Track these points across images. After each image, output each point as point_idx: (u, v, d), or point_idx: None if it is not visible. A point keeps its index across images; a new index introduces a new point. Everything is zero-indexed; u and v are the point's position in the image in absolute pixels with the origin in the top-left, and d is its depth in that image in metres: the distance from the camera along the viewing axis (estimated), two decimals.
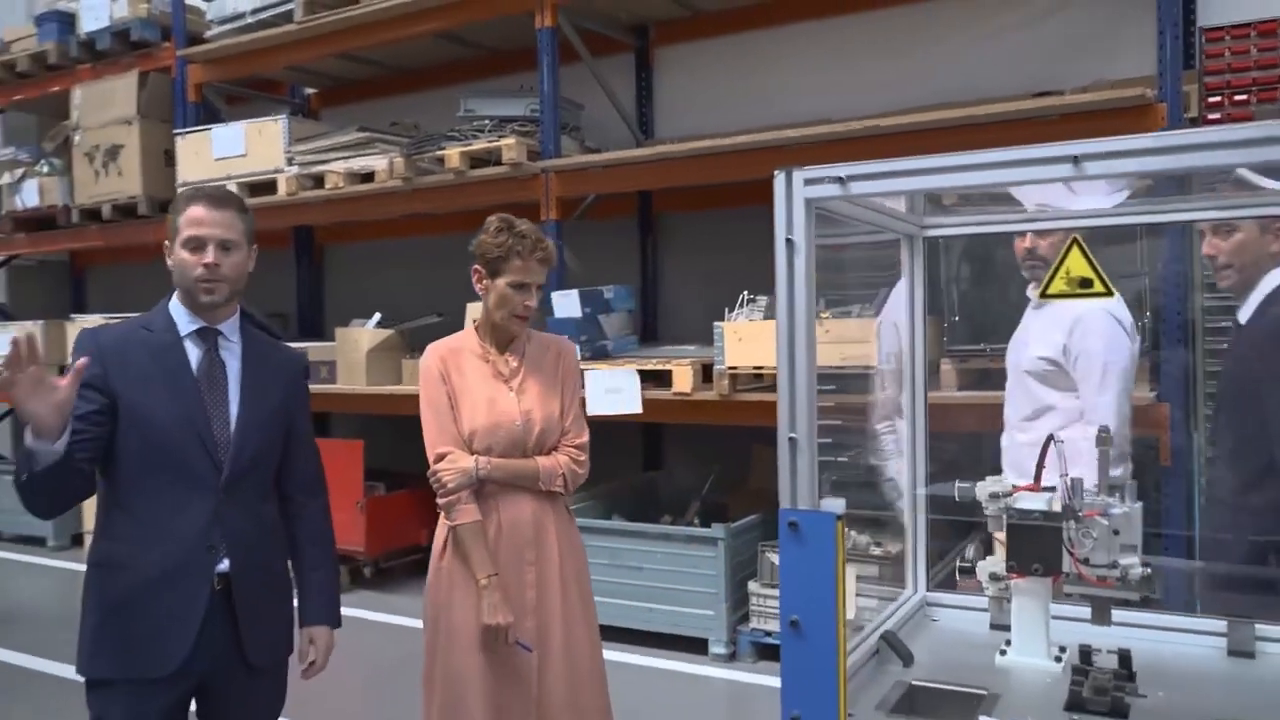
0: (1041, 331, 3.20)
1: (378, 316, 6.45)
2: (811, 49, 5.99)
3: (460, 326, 3.25)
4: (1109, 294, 1.64)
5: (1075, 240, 1.64)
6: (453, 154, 5.76)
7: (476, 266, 2.73)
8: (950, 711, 1.93)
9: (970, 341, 4.62)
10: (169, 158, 7.08)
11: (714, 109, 6.25)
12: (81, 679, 2.30)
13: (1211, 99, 4.13)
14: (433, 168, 5.91)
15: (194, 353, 2.32)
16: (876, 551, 3.89)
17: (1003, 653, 2.17)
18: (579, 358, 3.00)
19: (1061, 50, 5.24)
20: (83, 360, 2.06)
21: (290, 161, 6.44)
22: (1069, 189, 1.92)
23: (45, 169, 7.99)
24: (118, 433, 2.23)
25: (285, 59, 6.84)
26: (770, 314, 4.82)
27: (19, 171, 8.15)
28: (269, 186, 6.54)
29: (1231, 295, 2.91)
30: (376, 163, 6.11)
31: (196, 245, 2.27)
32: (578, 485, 2.84)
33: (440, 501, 2.67)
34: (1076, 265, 1.62)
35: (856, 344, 4.23)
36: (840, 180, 1.75)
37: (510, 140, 5.62)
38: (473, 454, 2.68)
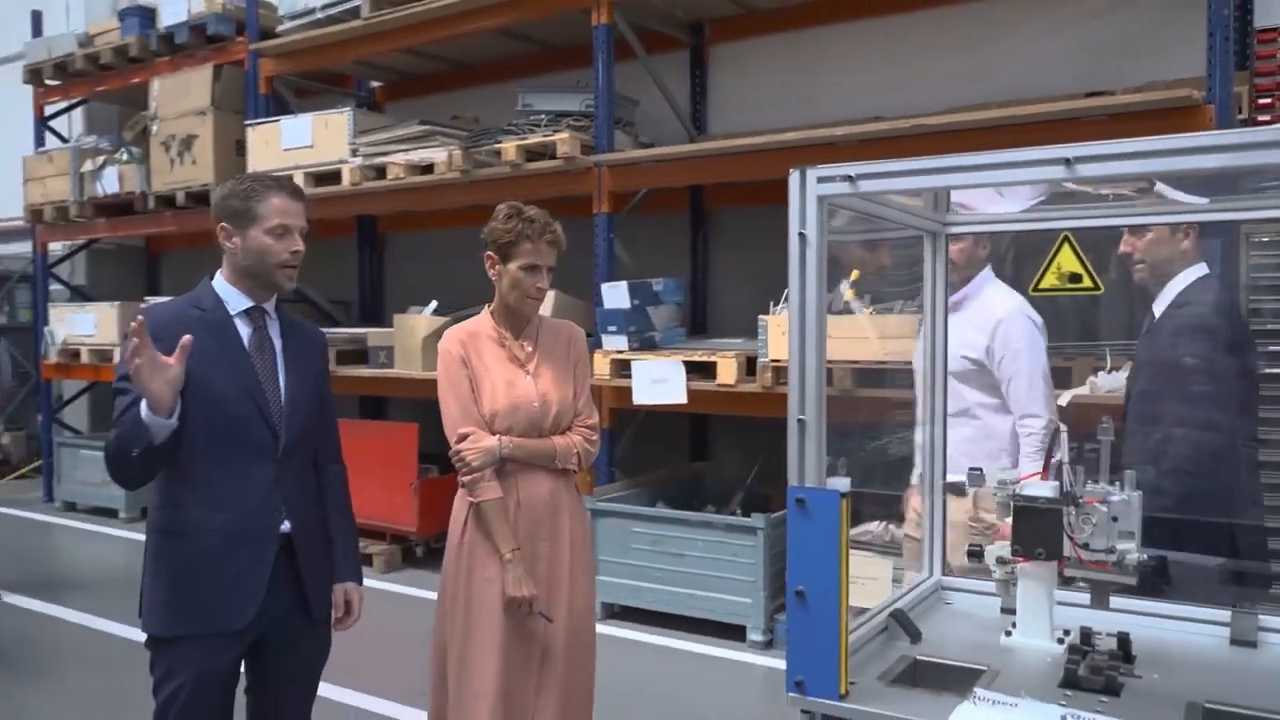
0: (962, 332, 3.30)
1: (434, 304, 6.66)
2: (865, 47, 6.05)
3: None
4: (1097, 288, 1.72)
5: (1066, 238, 1.72)
6: (509, 147, 5.92)
7: (489, 253, 2.85)
8: (950, 685, 2.02)
9: None
10: (240, 148, 7.35)
11: (767, 106, 6.34)
12: (143, 641, 2.44)
13: (1261, 100, 4.12)
14: (490, 160, 6.08)
15: (244, 330, 2.47)
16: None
17: (1008, 634, 2.26)
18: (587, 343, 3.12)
19: (1116, 49, 5.23)
20: (188, 338, 2.20)
21: (354, 153, 6.67)
22: (998, 193, 2.03)
23: (124, 157, 8.34)
24: (185, 407, 2.33)
25: (352, 53, 7.08)
26: None
27: (100, 159, 8.51)
28: (334, 176, 6.77)
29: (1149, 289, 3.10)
30: (436, 155, 6.31)
31: (284, 232, 2.44)
32: (590, 463, 2.98)
33: (464, 479, 2.80)
34: (1067, 261, 1.70)
35: (898, 340, 4.30)
36: (850, 179, 1.86)
37: (565, 134, 5.77)
38: (493, 434, 2.81)
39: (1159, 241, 2.89)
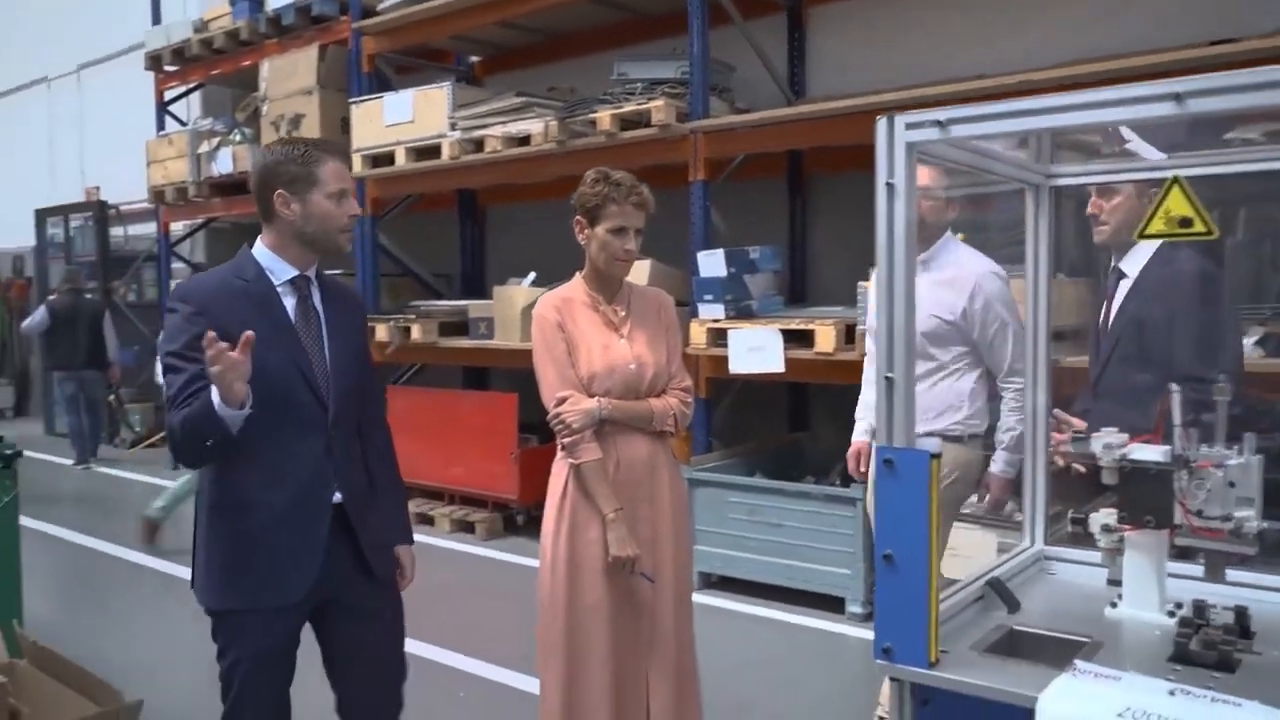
0: (933, 293, 3.31)
1: (532, 275, 6.71)
2: (969, 4, 5.81)
3: None
4: (1210, 234, 1.60)
5: (1176, 180, 1.60)
6: (604, 116, 5.90)
7: (578, 218, 2.86)
8: (1048, 657, 1.93)
9: None
10: (345, 125, 7.52)
11: (868, 68, 6.15)
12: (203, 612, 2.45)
13: None
14: (585, 130, 6.07)
15: (289, 301, 2.41)
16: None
17: (1113, 605, 2.15)
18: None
19: None
20: (249, 334, 2.14)
21: (453, 127, 6.74)
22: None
23: (237, 138, 8.64)
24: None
25: (449, 28, 7.14)
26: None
27: (215, 140, 8.84)
28: (434, 151, 6.86)
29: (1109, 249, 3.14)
30: (532, 126, 6.33)
31: (343, 196, 2.41)
32: (685, 426, 2.97)
33: (564, 441, 2.81)
34: (1177, 205, 1.58)
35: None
36: (939, 124, 1.77)
37: (659, 102, 5.72)
38: (590, 396, 2.81)
39: (1124, 204, 2.93)
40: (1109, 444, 2.09)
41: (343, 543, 2.46)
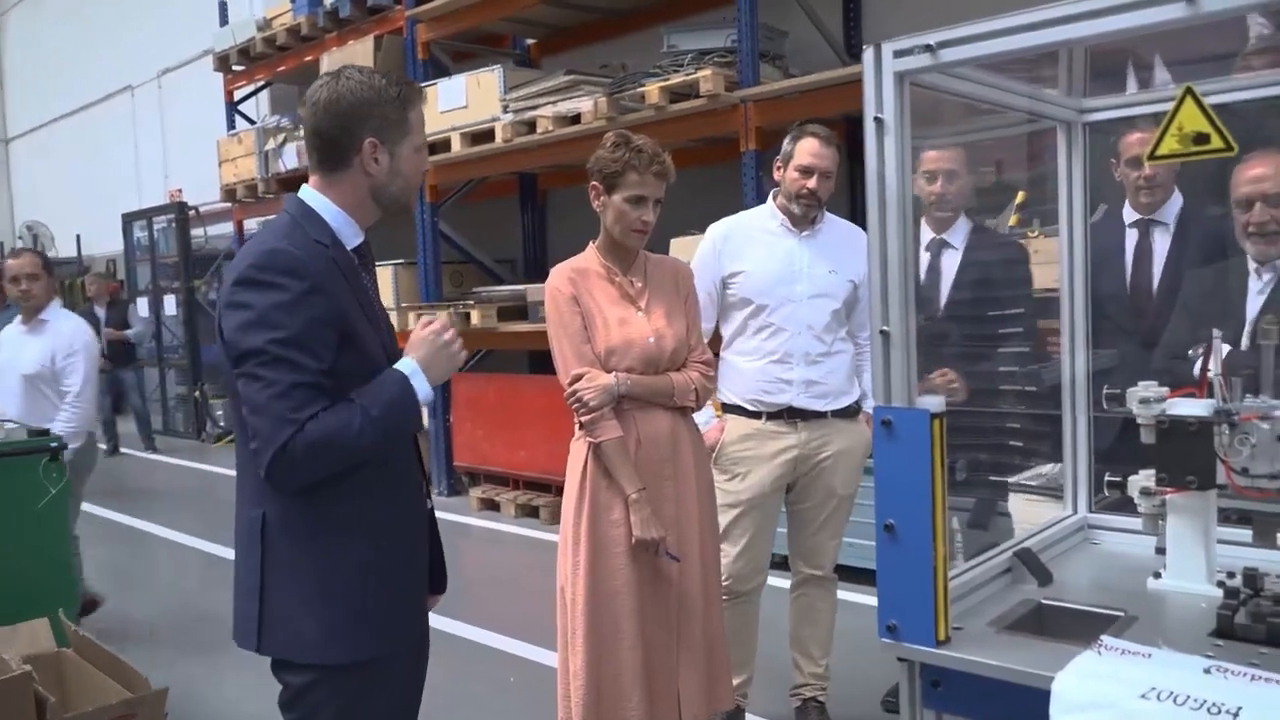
0: (839, 257, 3.22)
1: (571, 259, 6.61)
2: None
3: None
4: (1230, 150, 1.40)
5: (1189, 90, 1.41)
6: (652, 90, 5.77)
7: (594, 183, 2.73)
8: (1077, 633, 1.76)
9: None
10: None
11: (926, 25, 5.86)
12: (276, 671, 1.91)
13: None
14: (634, 105, 5.94)
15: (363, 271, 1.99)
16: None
17: (1156, 576, 1.95)
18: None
19: None
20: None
21: (505, 109, 6.69)
22: None
23: (301, 133, 8.73)
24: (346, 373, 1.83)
25: (501, 10, 7.08)
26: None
27: (281, 137, 8.96)
28: (488, 135, 6.82)
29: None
30: (582, 104, 6.23)
31: (423, 147, 2.00)
32: (707, 400, 2.83)
33: (583, 419, 2.71)
34: (1191, 119, 1.39)
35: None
36: (930, 48, 1.60)
37: (706, 72, 5.56)
38: (608, 372, 2.70)
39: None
40: (1146, 398, 1.90)
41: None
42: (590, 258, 2.83)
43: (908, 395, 1.69)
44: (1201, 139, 1.36)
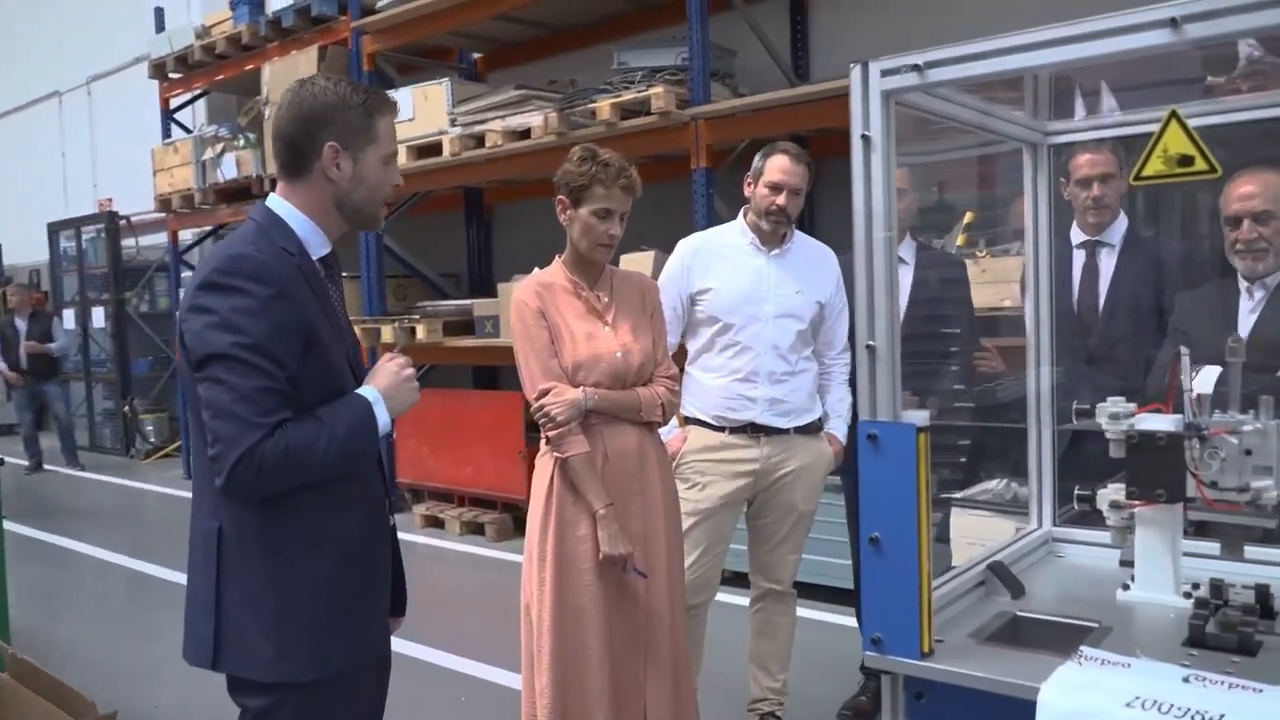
0: (807, 277, 3.27)
1: (536, 271, 6.59)
2: None
3: None
4: (1214, 172, 1.45)
5: (1174, 114, 1.46)
6: (604, 106, 5.78)
7: (560, 197, 2.72)
8: (1054, 644, 1.79)
9: None
10: None
11: (872, 49, 5.93)
12: (232, 691, 1.86)
13: None
14: (585, 121, 5.95)
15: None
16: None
17: (1125, 587, 2.00)
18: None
19: None
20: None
21: (453, 123, 6.64)
22: None
23: (241, 143, 8.58)
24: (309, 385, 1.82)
25: (449, 23, 7.04)
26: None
27: (219, 146, 8.78)
28: (435, 149, 6.76)
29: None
30: (532, 119, 6.21)
31: (392, 159, 1.96)
32: (672, 414, 2.84)
33: (550, 434, 2.69)
34: (1176, 142, 1.44)
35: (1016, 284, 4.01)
36: (917, 68, 1.63)
37: (659, 89, 5.59)
38: (575, 387, 2.68)
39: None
40: (1115, 414, 1.94)
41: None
42: (556, 272, 2.82)
43: (893, 409, 1.71)
44: (1186, 161, 1.41)
